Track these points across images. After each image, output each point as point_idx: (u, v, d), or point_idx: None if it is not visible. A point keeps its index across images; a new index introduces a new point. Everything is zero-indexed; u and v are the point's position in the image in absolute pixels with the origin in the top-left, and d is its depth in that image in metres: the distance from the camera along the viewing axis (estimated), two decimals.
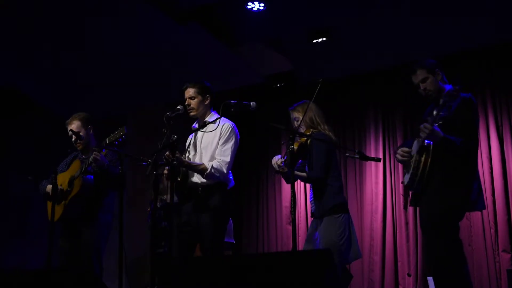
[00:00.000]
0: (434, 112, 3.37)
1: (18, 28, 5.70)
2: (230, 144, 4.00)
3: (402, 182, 3.75)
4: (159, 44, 6.12)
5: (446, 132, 3.42)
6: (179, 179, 3.94)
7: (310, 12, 5.60)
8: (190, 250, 3.95)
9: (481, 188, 3.60)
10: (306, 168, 4.14)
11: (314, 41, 5.98)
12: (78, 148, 4.51)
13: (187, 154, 4.06)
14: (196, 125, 4.16)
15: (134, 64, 6.49)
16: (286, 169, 3.98)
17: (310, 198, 4.22)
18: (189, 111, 4.06)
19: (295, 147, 3.81)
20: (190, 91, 4.09)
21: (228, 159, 3.96)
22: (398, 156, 3.71)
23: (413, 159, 3.55)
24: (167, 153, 3.75)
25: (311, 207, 4.21)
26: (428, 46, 6.14)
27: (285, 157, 4.00)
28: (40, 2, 5.31)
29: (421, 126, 3.40)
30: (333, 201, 4.02)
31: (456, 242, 3.47)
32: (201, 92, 4.08)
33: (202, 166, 3.90)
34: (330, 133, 4.14)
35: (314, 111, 4.14)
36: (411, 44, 6.12)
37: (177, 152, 3.81)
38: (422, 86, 3.65)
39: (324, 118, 4.18)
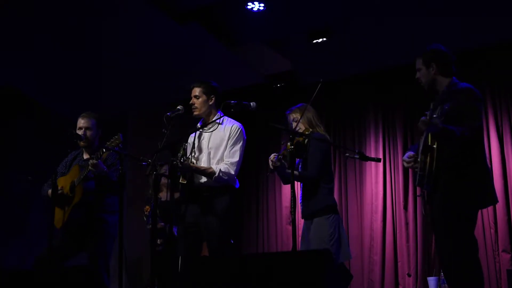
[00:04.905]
0: (430, 112, 3.34)
1: (18, 27, 5.70)
2: (239, 145, 4.05)
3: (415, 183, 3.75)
4: (159, 44, 6.11)
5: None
6: (185, 182, 3.93)
7: (310, 12, 5.60)
8: (197, 251, 3.95)
9: (492, 180, 3.55)
10: (299, 167, 4.17)
11: (314, 41, 5.98)
12: (81, 145, 4.49)
13: (193, 154, 4.04)
14: (201, 124, 4.16)
15: (134, 64, 6.48)
16: (278, 163, 3.98)
17: (300, 200, 4.23)
18: (192, 110, 4.09)
19: (292, 146, 3.80)
20: (196, 90, 4.10)
21: (235, 160, 4.01)
22: (404, 164, 3.69)
23: (418, 160, 3.52)
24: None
25: (301, 209, 4.22)
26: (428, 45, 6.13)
27: (280, 152, 4.04)
28: (40, 1, 5.31)
29: (421, 119, 3.35)
30: (324, 202, 4.06)
31: (469, 242, 3.40)
32: (207, 92, 4.09)
33: (210, 170, 3.92)
34: (326, 135, 4.24)
35: (312, 112, 4.24)
36: (411, 44, 6.10)
37: (183, 157, 3.81)
38: (417, 74, 3.70)
39: (320, 120, 4.31)
